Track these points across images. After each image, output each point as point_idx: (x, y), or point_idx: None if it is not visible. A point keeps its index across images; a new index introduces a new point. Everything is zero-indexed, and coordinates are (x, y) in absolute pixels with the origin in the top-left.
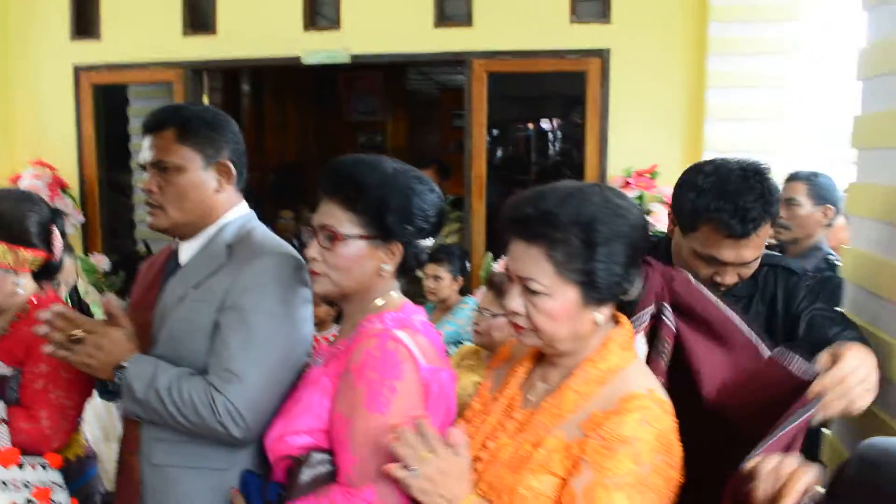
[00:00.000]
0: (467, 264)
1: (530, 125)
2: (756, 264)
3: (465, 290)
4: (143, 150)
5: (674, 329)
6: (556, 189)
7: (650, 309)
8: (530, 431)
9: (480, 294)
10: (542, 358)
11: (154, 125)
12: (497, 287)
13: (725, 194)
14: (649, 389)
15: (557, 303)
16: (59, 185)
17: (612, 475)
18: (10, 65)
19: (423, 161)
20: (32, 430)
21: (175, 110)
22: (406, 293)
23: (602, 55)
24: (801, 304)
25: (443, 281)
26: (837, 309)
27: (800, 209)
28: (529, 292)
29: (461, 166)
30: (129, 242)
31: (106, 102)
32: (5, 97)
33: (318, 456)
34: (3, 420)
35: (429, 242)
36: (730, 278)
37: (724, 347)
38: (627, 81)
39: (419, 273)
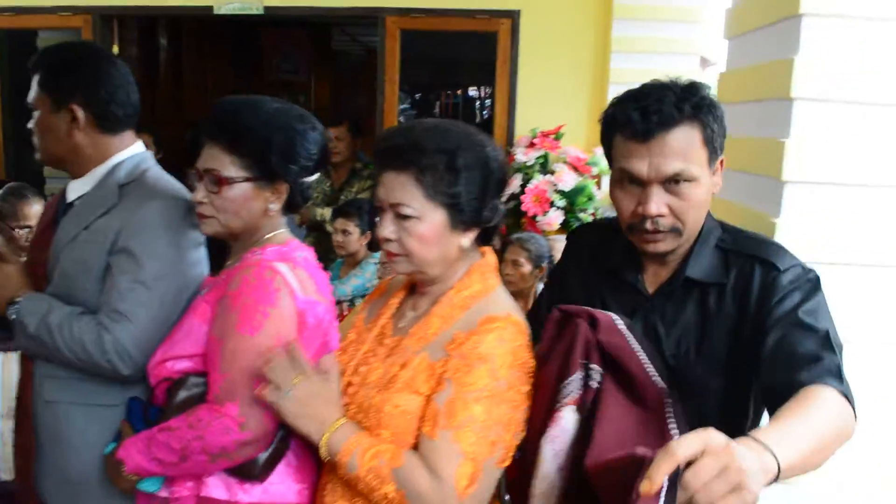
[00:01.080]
0: (376, 220)
1: (446, 87)
2: (696, 200)
3: (374, 246)
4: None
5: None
6: (421, 122)
7: (578, 375)
8: (398, 355)
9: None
10: (412, 290)
11: (31, 68)
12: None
13: (637, 97)
14: (507, 312)
15: (427, 225)
16: None
17: (471, 389)
18: None
19: (337, 119)
20: None
21: (44, 53)
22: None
23: (512, 16)
24: (775, 311)
25: (351, 235)
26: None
27: None
28: (401, 217)
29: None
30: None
31: (14, 49)
32: None
33: (194, 378)
34: None
35: (312, 178)
36: (654, 206)
37: (640, 407)
38: (536, 43)
39: (328, 228)
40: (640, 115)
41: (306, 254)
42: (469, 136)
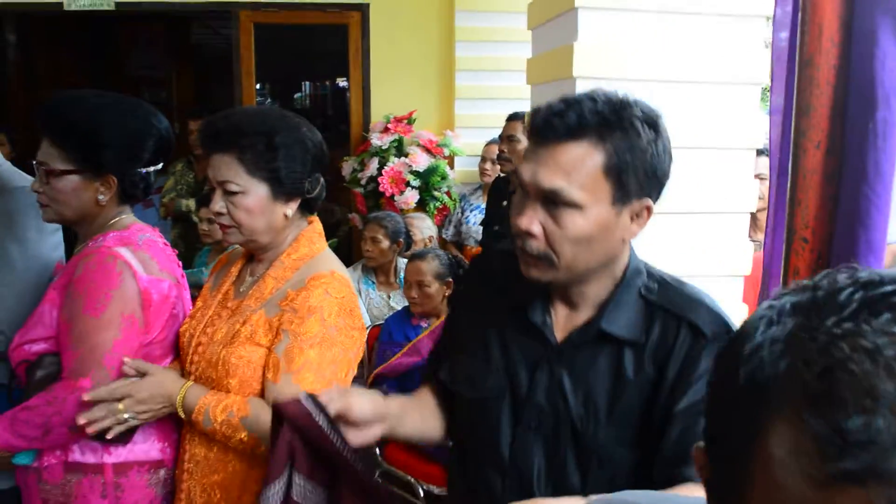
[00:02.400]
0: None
1: (300, 78)
2: (574, 232)
3: None
4: None
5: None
6: (241, 109)
7: (282, 479)
8: (239, 314)
9: None
10: (250, 259)
11: None
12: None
13: (563, 99)
14: (331, 270)
15: (251, 198)
16: None
17: (305, 337)
18: None
19: (198, 112)
20: None
21: None
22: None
23: (362, 9)
24: (687, 393)
25: (215, 224)
26: None
27: (518, 144)
28: (228, 194)
29: None
30: None
31: None
32: None
33: (48, 358)
34: None
35: (152, 169)
36: (524, 220)
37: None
38: (386, 35)
39: (194, 217)
40: (544, 117)
41: (149, 235)
42: (285, 119)
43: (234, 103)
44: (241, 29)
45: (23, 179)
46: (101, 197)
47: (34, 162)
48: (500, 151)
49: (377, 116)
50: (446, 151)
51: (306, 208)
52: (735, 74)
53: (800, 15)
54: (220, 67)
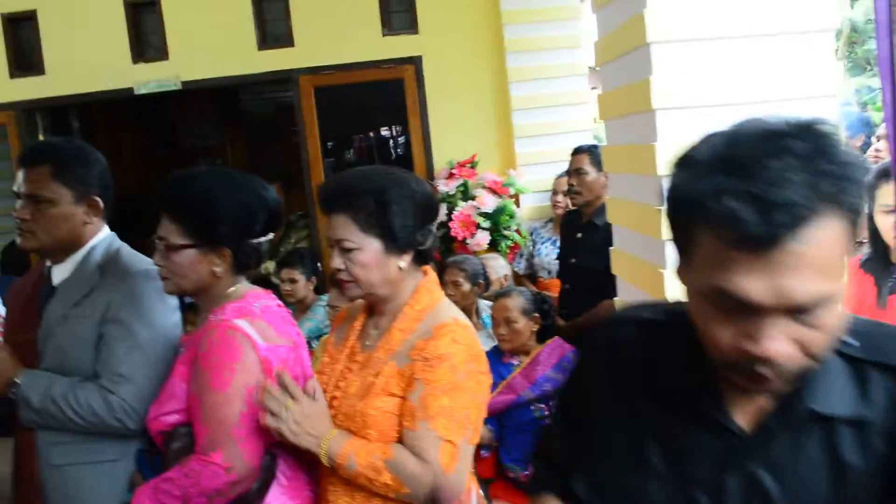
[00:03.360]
0: (318, 266)
1: (361, 133)
2: (833, 322)
3: (320, 290)
4: (19, 180)
5: None
6: (352, 171)
7: None
8: (371, 367)
9: (330, 293)
10: (371, 312)
11: (30, 161)
12: (338, 283)
13: (743, 169)
14: (454, 318)
15: (366, 254)
16: None
17: (437, 385)
18: None
19: (268, 177)
20: None
21: (51, 148)
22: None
23: (415, 62)
24: None
25: (298, 283)
26: None
27: (587, 176)
28: (345, 251)
29: (301, 178)
30: None
31: None
32: None
33: (182, 429)
34: None
35: (263, 240)
36: (775, 344)
37: None
38: (441, 83)
39: (274, 280)
40: (743, 215)
41: (264, 301)
42: (392, 175)
43: (302, 165)
44: (301, 93)
45: (143, 262)
46: (216, 269)
47: (154, 237)
48: (570, 185)
49: (440, 163)
50: (511, 190)
51: (420, 259)
52: (810, 89)
53: None
54: (267, 130)
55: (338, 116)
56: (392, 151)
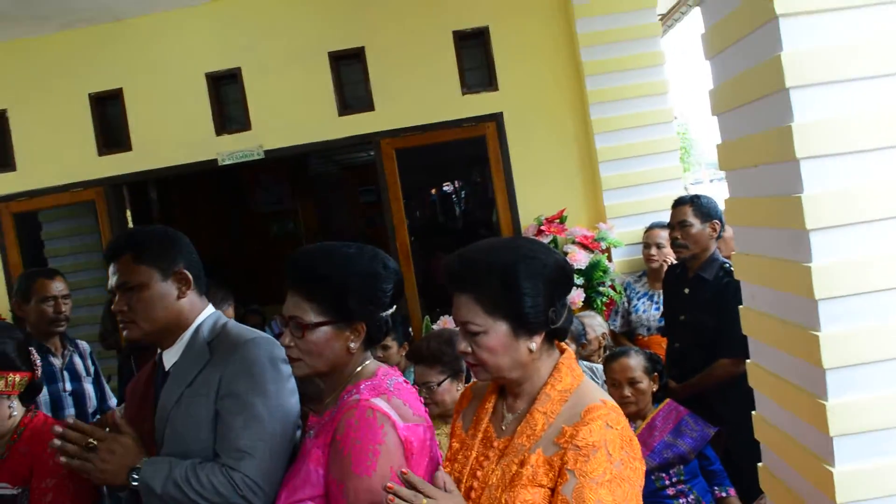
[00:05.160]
0: (409, 330)
1: (441, 189)
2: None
3: (411, 355)
4: (110, 276)
5: None
6: (475, 246)
7: None
8: (512, 454)
9: (416, 371)
10: (503, 393)
11: (112, 254)
12: (419, 356)
13: None
14: (602, 400)
15: (492, 338)
16: None
17: (593, 476)
18: None
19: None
20: None
21: (128, 236)
22: None
23: (496, 118)
24: None
25: (391, 349)
26: None
27: (691, 228)
28: (470, 333)
29: (377, 240)
30: None
31: (19, 230)
32: None
33: None
34: None
35: (391, 312)
36: None
37: None
38: (523, 138)
39: None
40: None
41: (395, 378)
42: (519, 250)
43: (387, 230)
44: (383, 156)
45: (251, 332)
46: (351, 345)
47: (279, 317)
48: (674, 238)
49: (526, 219)
50: (603, 245)
51: (554, 336)
52: None
53: None
54: (336, 192)
55: (416, 175)
56: (479, 209)
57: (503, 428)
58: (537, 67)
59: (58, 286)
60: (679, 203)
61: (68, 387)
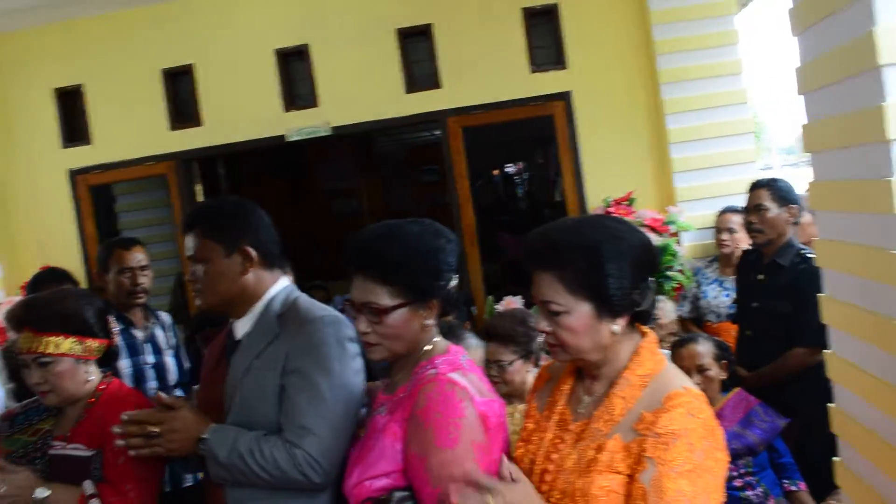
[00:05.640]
0: (472, 309)
1: (506, 169)
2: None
3: (475, 329)
4: (186, 247)
5: None
6: (560, 223)
7: None
8: (589, 439)
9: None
10: (580, 375)
11: (185, 226)
12: (494, 334)
13: None
14: (685, 387)
15: (574, 318)
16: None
17: (673, 465)
18: (10, 180)
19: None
20: (121, 502)
21: (199, 210)
22: None
23: (564, 97)
24: None
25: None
26: None
27: (768, 213)
28: (551, 313)
29: (441, 219)
30: None
31: (95, 202)
32: (5, 210)
33: (398, 494)
34: (95, 495)
35: (455, 284)
36: None
37: None
38: (592, 118)
39: None
40: None
41: (465, 356)
42: (606, 229)
43: (451, 208)
44: (449, 134)
45: (321, 310)
46: (426, 322)
47: (348, 302)
48: (749, 222)
49: (594, 200)
50: (672, 228)
51: (637, 319)
52: None
53: None
54: (399, 170)
55: (482, 154)
56: (543, 190)
57: (580, 411)
58: (607, 46)
59: (136, 257)
60: (756, 186)
61: (150, 359)
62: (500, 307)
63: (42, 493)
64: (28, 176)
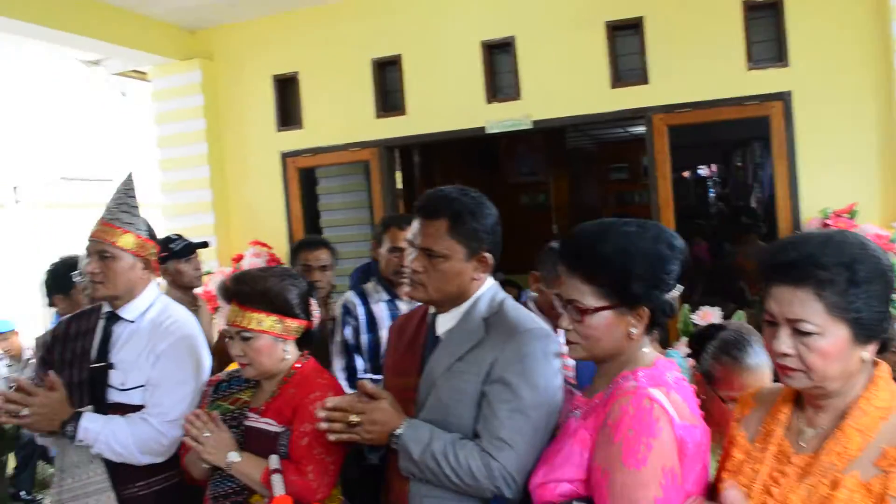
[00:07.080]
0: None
1: (699, 170)
2: None
3: (664, 343)
4: (414, 231)
5: None
6: (813, 234)
7: None
8: (819, 474)
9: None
10: (799, 403)
11: (428, 212)
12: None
13: None
14: None
15: (829, 341)
16: (276, 263)
17: None
18: (227, 159)
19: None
20: (301, 482)
21: (449, 201)
22: None
23: (783, 98)
24: None
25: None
26: None
27: None
28: (800, 333)
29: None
30: None
31: (302, 184)
32: (223, 188)
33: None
34: (278, 470)
35: (676, 293)
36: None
37: None
38: (813, 121)
39: None
40: None
41: (675, 373)
42: (864, 247)
43: (651, 208)
44: (654, 132)
45: (531, 321)
46: (633, 330)
47: (559, 296)
48: None
49: (809, 210)
50: None
51: (880, 347)
52: None
53: None
54: (588, 167)
55: (685, 153)
56: (738, 195)
57: (801, 444)
58: (837, 42)
59: (405, 237)
60: None
61: None
62: (695, 318)
63: (234, 457)
64: (243, 156)
